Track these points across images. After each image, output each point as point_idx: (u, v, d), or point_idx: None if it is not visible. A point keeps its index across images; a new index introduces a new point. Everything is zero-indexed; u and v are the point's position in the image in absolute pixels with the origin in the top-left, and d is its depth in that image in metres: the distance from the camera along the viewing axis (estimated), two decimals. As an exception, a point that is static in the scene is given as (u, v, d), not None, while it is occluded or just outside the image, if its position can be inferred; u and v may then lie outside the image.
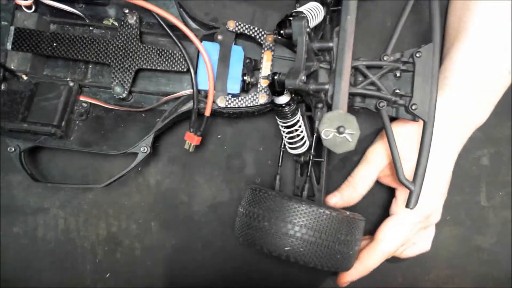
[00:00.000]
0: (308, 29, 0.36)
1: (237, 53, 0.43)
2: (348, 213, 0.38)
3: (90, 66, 0.45)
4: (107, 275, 0.48)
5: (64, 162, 0.49)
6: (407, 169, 0.38)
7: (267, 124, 0.48)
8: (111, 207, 0.49)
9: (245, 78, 0.43)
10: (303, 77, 0.35)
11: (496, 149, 0.48)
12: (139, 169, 0.48)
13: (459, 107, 0.41)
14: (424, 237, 0.44)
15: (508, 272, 0.47)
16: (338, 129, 0.31)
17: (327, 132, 0.31)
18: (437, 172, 0.41)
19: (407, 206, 0.37)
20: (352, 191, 0.43)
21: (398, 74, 0.38)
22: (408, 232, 0.41)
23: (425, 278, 0.48)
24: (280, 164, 0.44)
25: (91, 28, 0.44)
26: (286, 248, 0.36)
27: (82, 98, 0.44)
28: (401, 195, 0.43)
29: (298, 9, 0.40)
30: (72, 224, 0.48)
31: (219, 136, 0.48)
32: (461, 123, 0.41)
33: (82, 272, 0.48)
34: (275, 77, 0.37)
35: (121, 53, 0.42)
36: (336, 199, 0.43)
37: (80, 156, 0.47)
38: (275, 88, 0.37)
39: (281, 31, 0.38)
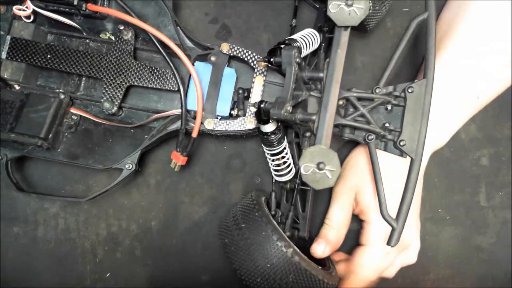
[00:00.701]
0: (298, 59, 0.35)
1: (229, 76, 0.43)
2: (321, 276, 0.37)
3: (84, 79, 0.45)
4: (107, 275, 0.48)
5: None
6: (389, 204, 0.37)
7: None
8: (111, 207, 0.48)
9: (232, 112, 0.42)
10: (289, 108, 0.34)
11: (496, 149, 0.47)
12: (139, 169, 0.48)
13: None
14: (407, 254, 0.42)
15: (508, 272, 0.47)
16: (318, 165, 0.30)
17: (306, 167, 0.30)
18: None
19: (388, 243, 0.35)
20: (335, 233, 0.41)
21: (389, 108, 0.37)
22: (385, 261, 0.40)
23: (425, 278, 0.47)
24: (274, 182, 0.43)
25: (87, 41, 0.44)
26: (245, 275, 0.36)
27: (72, 110, 0.43)
28: (372, 226, 0.40)
29: (293, 36, 0.39)
30: (72, 224, 0.48)
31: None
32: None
33: (82, 272, 0.48)
34: (261, 106, 0.36)
35: (113, 68, 0.41)
36: (322, 247, 0.41)
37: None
38: (261, 116, 0.36)
39: (271, 59, 0.37)
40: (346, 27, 0.35)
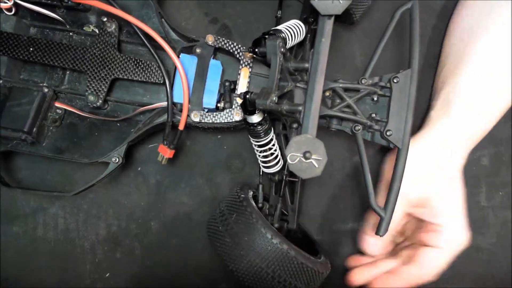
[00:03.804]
0: (282, 49, 0.34)
1: (215, 68, 0.40)
2: (309, 264, 0.35)
3: (68, 72, 0.42)
4: (107, 275, 0.45)
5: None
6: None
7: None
8: (111, 207, 0.46)
9: (218, 104, 0.40)
10: (275, 98, 0.33)
11: (496, 149, 0.45)
12: (139, 169, 0.46)
13: (461, 130, 0.39)
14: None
15: (508, 272, 0.45)
16: (305, 154, 0.29)
17: (293, 156, 0.29)
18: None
19: (377, 233, 0.34)
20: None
21: (375, 99, 0.36)
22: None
23: None
24: (261, 174, 0.42)
25: (71, 33, 0.41)
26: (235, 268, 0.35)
27: (57, 104, 0.41)
28: (446, 230, 0.38)
29: (278, 27, 0.37)
30: (71, 224, 0.46)
31: (219, 136, 0.46)
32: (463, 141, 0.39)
33: (82, 271, 0.45)
34: (247, 96, 0.35)
35: (97, 61, 0.39)
36: (377, 243, 0.39)
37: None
38: (247, 107, 0.35)
39: (256, 50, 0.35)
40: (329, 16, 0.33)
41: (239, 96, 0.40)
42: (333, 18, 0.33)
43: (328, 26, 0.33)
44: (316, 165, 0.29)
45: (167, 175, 0.45)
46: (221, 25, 0.47)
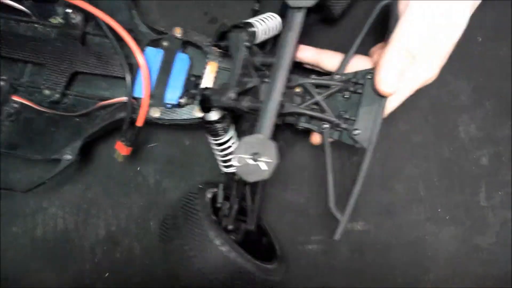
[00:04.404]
0: (247, 43, 0.32)
1: (182, 62, 0.39)
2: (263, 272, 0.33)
3: (29, 65, 0.40)
4: (106, 275, 0.45)
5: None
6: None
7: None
8: (110, 207, 0.45)
9: (180, 101, 0.38)
10: (233, 94, 0.31)
11: (495, 149, 0.45)
12: (138, 169, 0.45)
13: None
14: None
15: (508, 272, 0.44)
16: (253, 156, 0.28)
17: (240, 159, 0.28)
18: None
19: (333, 237, 0.32)
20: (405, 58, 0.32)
21: (347, 96, 0.33)
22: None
23: (425, 278, 0.44)
24: (222, 173, 0.40)
25: (36, 25, 0.40)
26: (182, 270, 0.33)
27: (14, 98, 0.39)
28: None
29: (250, 20, 0.35)
30: (71, 224, 0.45)
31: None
32: None
33: (81, 271, 0.45)
34: (205, 92, 0.33)
35: (58, 54, 0.38)
36: (394, 76, 0.32)
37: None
38: (204, 104, 0.33)
39: (220, 43, 0.34)
40: (299, 9, 0.31)
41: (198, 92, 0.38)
42: (303, 11, 0.32)
43: (297, 19, 0.31)
44: (265, 168, 0.28)
45: (167, 175, 0.45)
46: (221, 25, 0.46)
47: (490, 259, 0.45)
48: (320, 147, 0.38)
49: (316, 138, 0.38)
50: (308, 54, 0.38)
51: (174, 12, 0.46)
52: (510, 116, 0.45)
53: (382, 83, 0.32)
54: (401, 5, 0.34)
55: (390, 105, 0.35)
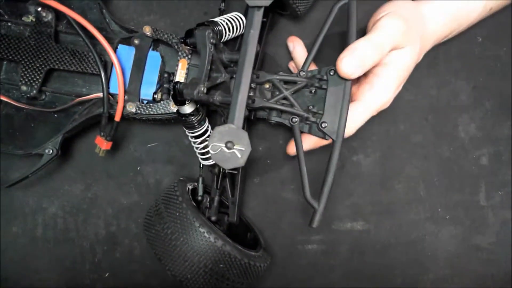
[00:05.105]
0: (213, 40, 0.34)
1: (154, 59, 0.40)
2: (246, 259, 0.35)
3: (5, 63, 0.41)
4: (106, 275, 0.46)
5: None
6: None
7: (265, 123, 0.44)
8: (110, 207, 0.46)
9: (155, 96, 0.40)
10: (203, 88, 0.33)
11: (495, 149, 0.45)
12: (138, 168, 0.46)
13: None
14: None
15: (508, 272, 0.45)
16: (226, 144, 0.29)
17: (215, 146, 0.30)
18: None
19: (310, 225, 0.33)
20: (372, 49, 0.34)
21: (313, 91, 0.35)
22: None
23: (425, 278, 0.45)
24: (201, 167, 0.41)
25: (9, 24, 0.41)
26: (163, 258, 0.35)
27: None
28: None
29: (215, 19, 0.37)
30: (71, 224, 0.46)
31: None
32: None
33: (81, 271, 0.45)
34: (176, 86, 0.34)
35: (32, 51, 0.39)
36: (353, 62, 0.34)
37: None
38: (176, 97, 0.35)
39: (187, 40, 0.36)
40: (258, 8, 0.33)
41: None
42: (262, 9, 0.33)
43: (256, 17, 0.33)
44: (239, 155, 0.30)
45: (166, 175, 0.45)
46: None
47: (490, 259, 0.45)
48: (319, 150, 0.39)
49: (292, 149, 0.39)
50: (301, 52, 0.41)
51: (174, 12, 0.46)
52: (510, 116, 0.45)
53: (343, 63, 0.34)
54: (370, 24, 0.38)
55: (348, 131, 0.37)
